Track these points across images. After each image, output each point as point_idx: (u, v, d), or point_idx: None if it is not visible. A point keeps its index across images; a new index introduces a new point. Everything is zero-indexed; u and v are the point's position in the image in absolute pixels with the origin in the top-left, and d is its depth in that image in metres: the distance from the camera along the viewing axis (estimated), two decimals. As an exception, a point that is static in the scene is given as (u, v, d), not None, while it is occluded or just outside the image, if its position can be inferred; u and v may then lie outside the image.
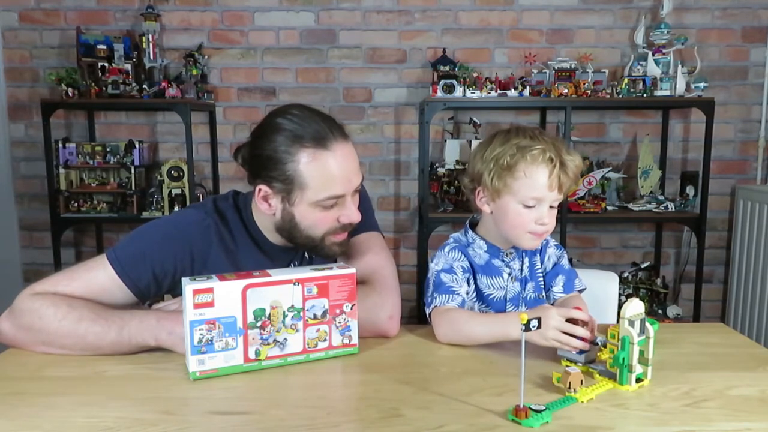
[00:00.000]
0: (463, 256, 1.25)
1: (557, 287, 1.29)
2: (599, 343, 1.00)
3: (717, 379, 0.96)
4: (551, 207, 1.18)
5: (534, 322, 0.82)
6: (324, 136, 1.08)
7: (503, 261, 1.27)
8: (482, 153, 1.21)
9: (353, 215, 1.13)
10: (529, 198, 1.16)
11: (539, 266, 1.30)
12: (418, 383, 0.94)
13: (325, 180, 1.08)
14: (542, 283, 1.31)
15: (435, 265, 1.24)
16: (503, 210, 1.19)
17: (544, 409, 0.82)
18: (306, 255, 1.25)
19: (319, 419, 0.83)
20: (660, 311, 2.80)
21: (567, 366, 0.92)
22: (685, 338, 1.16)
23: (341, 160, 1.09)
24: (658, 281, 2.89)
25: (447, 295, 1.18)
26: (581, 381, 0.89)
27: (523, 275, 1.28)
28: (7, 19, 2.89)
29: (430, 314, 1.19)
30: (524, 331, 0.81)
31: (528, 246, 1.23)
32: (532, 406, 0.81)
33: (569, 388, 0.88)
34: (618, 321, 0.94)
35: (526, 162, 1.15)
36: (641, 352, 0.93)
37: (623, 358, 0.92)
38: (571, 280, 1.30)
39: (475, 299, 1.26)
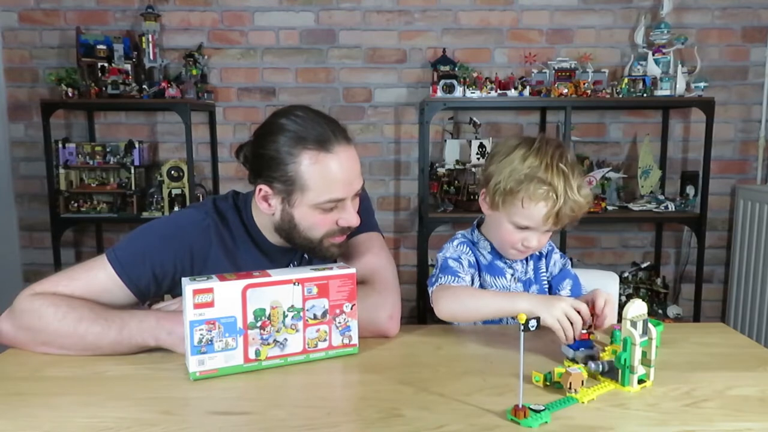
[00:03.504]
0: (470, 251, 1.26)
1: (564, 291, 1.30)
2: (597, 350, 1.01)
3: (717, 379, 0.96)
4: (547, 230, 1.18)
5: (533, 322, 0.82)
6: (327, 138, 1.08)
7: (506, 263, 1.27)
8: (500, 160, 1.18)
9: (352, 219, 1.13)
10: (522, 224, 1.16)
11: (544, 270, 1.31)
12: (418, 383, 0.94)
13: (326, 183, 1.08)
14: (547, 286, 1.32)
15: (443, 253, 1.25)
16: (497, 221, 1.21)
17: (543, 410, 0.81)
18: (305, 255, 1.24)
19: (319, 419, 0.83)
20: (660, 311, 2.80)
21: (569, 366, 0.92)
22: (685, 338, 1.16)
23: (343, 164, 1.09)
24: (659, 281, 2.89)
25: (452, 277, 1.18)
26: (582, 381, 0.89)
27: (527, 277, 1.29)
28: (7, 19, 2.88)
29: (432, 292, 1.19)
30: (523, 330, 0.81)
31: (511, 258, 1.25)
32: (531, 406, 0.81)
33: (570, 388, 0.88)
34: (619, 321, 0.94)
35: (528, 194, 1.13)
36: (643, 354, 0.93)
37: (625, 359, 0.92)
38: (578, 285, 1.32)
39: None
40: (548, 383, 0.92)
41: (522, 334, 0.82)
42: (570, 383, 0.88)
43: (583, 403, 0.87)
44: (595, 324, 1.06)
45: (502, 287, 1.26)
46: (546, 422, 0.81)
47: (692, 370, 1.00)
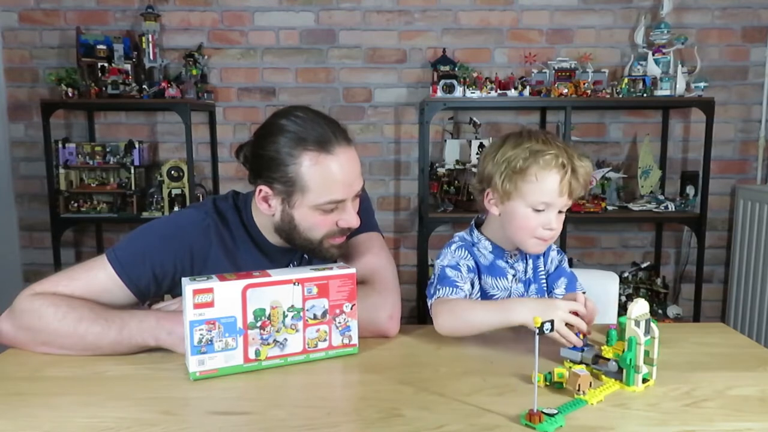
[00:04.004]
0: (469, 255, 1.25)
1: (559, 289, 1.30)
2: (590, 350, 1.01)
3: (717, 379, 0.96)
4: (559, 212, 1.18)
5: (547, 325, 0.81)
6: (327, 139, 1.08)
7: (507, 262, 1.27)
8: (494, 155, 1.20)
9: (352, 220, 1.13)
10: (539, 202, 1.16)
11: (542, 269, 1.31)
12: (418, 383, 0.94)
13: (327, 184, 1.08)
14: (545, 285, 1.32)
15: (441, 261, 1.24)
16: (512, 213, 1.19)
17: (556, 413, 0.81)
18: (305, 256, 1.24)
19: (319, 419, 0.83)
20: (660, 311, 2.80)
21: (572, 368, 0.92)
22: (685, 338, 1.16)
23: (344, 165, 1.09)
24: (659, 281, 2.89)
25: (450, 288, 1.18)
26: (590, 383, 0.89)
27: (527, 277, 1.29)
28: (7, 19, 2.88)
29: (431, 305, 1.19)
30: (538, 334, 0.80)
31: (533, 251, 1.23)
32: (544, 410, 0.80)
33: (578, 390, 0.87)
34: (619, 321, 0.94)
35: (539, 166, 1.14)
36: (646, 353, 0.93)
37: (630, 359, 0.92)
38: (572, 283, 1.32)
39: (479, 299, 1.26)
40: (548, 383, 0.92)
41: (537, 337, 0.81)
42: (579, 385, 0.87)
43: (592, 404, 0.86)
44: (587, 323, 1.06)
45: (503, 288, 1.25)
46: (561, 426, 0.79)
47: (692, 370, 1.00)
